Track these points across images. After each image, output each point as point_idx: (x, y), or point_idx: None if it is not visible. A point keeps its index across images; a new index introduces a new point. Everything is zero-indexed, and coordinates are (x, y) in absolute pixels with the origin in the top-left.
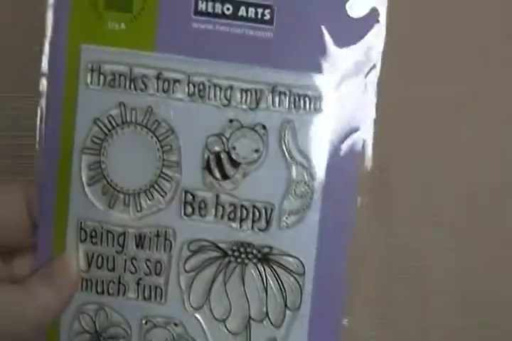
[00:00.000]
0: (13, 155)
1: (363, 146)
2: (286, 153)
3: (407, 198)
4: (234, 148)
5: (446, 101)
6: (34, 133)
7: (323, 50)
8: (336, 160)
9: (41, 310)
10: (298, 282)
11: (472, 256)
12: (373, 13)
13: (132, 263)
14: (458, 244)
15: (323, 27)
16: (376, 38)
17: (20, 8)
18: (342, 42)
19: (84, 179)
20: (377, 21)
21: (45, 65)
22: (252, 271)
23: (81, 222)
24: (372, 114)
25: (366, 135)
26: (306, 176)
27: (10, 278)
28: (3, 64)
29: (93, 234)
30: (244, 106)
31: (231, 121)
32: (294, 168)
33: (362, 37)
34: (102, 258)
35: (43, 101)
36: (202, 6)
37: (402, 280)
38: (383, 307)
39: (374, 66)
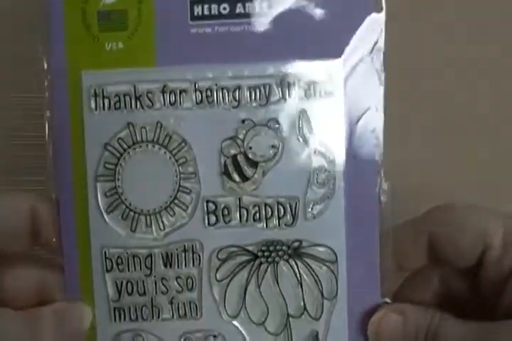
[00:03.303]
0: None
1: (377, 124)
2: (304, 143)
3: None
4: (250, 148)
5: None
6: (46, 164)
7: (325, 35)
8: (354, 142)
9: None
10: (332, 270)
11: None
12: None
13: (163, 283)
14: None
15: (323, 12)
16: (377, 17)
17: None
18: (344, 25)
19: (102, 207)
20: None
21: (47, 95)
22: (284, 268)
23: (105, 251)
24: (381, 89)
25: (378, 112)
26: (326, 163)
27: None
28: None
29: (119, 261)
30: (254, 104)
31: (243, 121)
32: (312, 156)
33: (363, 17)
34: (132, 283)
35: (51, 133)
36: (198, 10)
37: None
38: None
39: (377, 42)
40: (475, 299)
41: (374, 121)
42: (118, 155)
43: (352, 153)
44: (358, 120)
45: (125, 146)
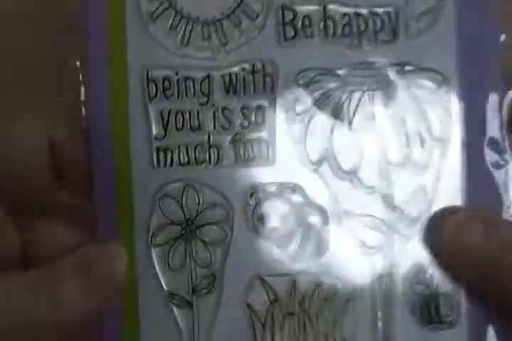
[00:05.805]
0: None
1: None
2: None
3: None
4: None
5: None
6: None
7: None
8: None
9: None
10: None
11: None
12: None
13: (224, 114)
14: None
15: None
16: None
17: None
18: None
19: (145, 11)
20: None
21: None
22: (381, 101)
23: (147, 71)
24: None
25: None
26: None
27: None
28: None
29: (165, 85)
30: None
31: None
32: None
33: None
34: (183, 115)
35: None
36: None
37: None
38: None
39: None
40: None
41: None
42: None
43: None
44: None
45: None
